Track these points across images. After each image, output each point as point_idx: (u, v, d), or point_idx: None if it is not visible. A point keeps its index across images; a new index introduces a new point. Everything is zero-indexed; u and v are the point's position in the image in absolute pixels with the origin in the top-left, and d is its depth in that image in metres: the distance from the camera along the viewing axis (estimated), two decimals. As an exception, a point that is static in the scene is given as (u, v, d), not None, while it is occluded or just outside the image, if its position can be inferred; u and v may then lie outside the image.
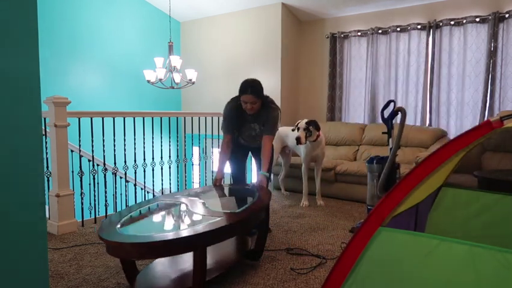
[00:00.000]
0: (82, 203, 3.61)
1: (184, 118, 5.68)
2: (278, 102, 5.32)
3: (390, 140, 3.31)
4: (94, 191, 3.76)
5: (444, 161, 1.25)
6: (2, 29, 1.12)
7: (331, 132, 5.27)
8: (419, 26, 4.89)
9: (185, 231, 1.94)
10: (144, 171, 4.25)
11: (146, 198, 5.74)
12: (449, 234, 1.15)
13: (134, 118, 4.02)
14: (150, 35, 6.26)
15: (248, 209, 2.34)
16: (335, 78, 5.59)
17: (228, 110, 3.15)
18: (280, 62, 5.53)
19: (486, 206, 1.80)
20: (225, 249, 2.66)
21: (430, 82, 4.88)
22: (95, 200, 3.79)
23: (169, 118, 4.42)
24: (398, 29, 5.04)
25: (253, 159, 3.51)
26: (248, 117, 3.14)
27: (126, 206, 4.14)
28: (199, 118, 5.02)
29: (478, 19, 4.49)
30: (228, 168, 3.31)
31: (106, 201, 3.88)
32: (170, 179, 4.88)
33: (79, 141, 3.57)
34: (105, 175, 4.10)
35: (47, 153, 3.39)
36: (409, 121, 5.02)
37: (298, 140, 3.80)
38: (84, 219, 3.64)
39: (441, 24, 4.75)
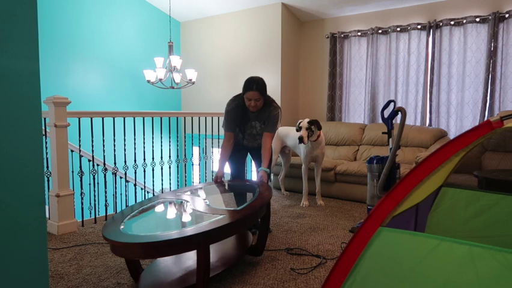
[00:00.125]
0: (82, 203, 3.61)
1: (184, 118, 5.68)
2: (278, 102, 5.32)
3: (390, 140, 3.31)
4: (94, 191, 3.76)
5: (445, 161, 1.25)
6: (2, 29, 1.12)
7: (331, 132, 5.27)
8: (419, 26, 4.89)
9: (189, 230, 1.96)
10: (144, 171, 4.25)
11: (146, 198, 5.74)
12: (449, 234, 1.15)
13: (134, 118, 4.02)
14: (150, 35, 6.26)
15: (250, 206, 2.38)
16: (335, 78, 5.59)
17: (230, 108, 3.19)
18: (280, 62, 5.53)
19: (486, 206, 1.80)
20: (227, 246, 2.69)
21: (430, 82, 4.88)
22: (95, 200, 3.79)
23: (169, 118, 4.42)
24: (398, 29, 5.04)
25: (252, 160, 3.54)
26: (250, 115, 3.19)
27: (126, 206, 4.14)
28: (199, 118, 5.03)
29: (478, 19, 4.49)
30: (227, 169, 3.33)
31: (106, 201, 3.88)
32: (170, 179, 4.88)
33: (79, 141, 3.57)
34: (105, 175, 4.10)
35: (47, 153, 3.39)
36: (409, 121, 5.02)
37: (301, 140, 3.79)
38: (84, 219, 3.64)
39: (441, 24, 4.75)
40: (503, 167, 3.89)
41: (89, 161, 3.94)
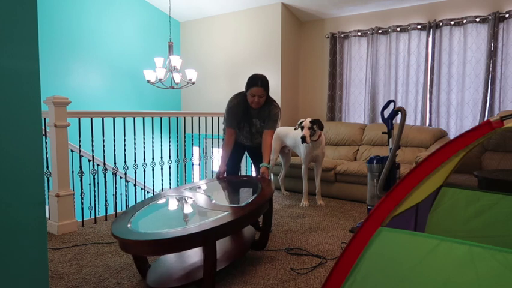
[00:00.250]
0: (82, 203, 3.61)
1: (184, 118, 5.68)
2: (278, 102, 5.32)
3: (390, 140, 3.31)
4: (94, 191, 3.76)
5: (444, 161, 1.25)
6: (2, 29, 1.12)
7: (331, 132, 5.27)
8: (419, 26, 4.89)
9: (196, 227, 2.00)
10: (144, 171, 4.25)
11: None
12: (449, 234, 1.15)
13: (134, 118, 4.02)
14: (150, 35, 6.26)
15: (253, 202, 2.43)
16: (335, 78, 5.59)
17: (232, 104, 3.27)
18: (280, 62, 5.53)
19: (486, 206, 1.80)
20: (231, 241, 2.73)
21: (430, 82, 4.88)
22: (95, 200, 3.79)
23: (169, 118, 4.42)
24: (398, 29, 5.04)
25: (250, 158, 3.60)
26: (251, 113, 3.27)
27: (126, 206, 4.14)
28: (199, 118, 5.03)
29: (478, 19, 4.49)
30: None
31: (106, 201, 3.88)
32: (170, 179, 4.88)
33: (79, 141, 3.57)
34: (105, 175, 4.10)
35: (47, 153, 3.39)
36: (409, 121, 5.02)
37: (303, 139, 3.78)
38: (84, 219, 3.64)
39: (441, 24, 4.75)
40: (503, 167, 3.89)
41: (89, 161, 3.94)
